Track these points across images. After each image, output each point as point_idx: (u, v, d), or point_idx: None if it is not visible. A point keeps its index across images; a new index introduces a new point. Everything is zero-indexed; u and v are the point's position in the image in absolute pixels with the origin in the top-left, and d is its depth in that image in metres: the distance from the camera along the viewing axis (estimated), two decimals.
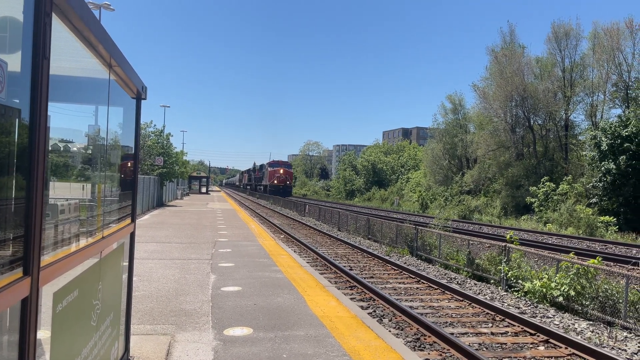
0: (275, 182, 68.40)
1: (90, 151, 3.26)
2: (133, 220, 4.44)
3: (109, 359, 3.47)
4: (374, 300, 9.43)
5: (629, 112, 34.64)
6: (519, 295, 10.07)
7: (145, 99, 4.43)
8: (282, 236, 20.31)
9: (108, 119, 3.26)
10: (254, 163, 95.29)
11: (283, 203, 45.34)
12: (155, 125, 35.71)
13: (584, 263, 9.08)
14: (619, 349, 6.96)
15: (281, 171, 69.80)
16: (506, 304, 9.51)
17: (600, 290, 8.65)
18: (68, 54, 2.60)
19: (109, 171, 3.67)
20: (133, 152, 4.54)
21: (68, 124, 2.82)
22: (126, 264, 4.27)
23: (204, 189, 68.39)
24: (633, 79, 38.81)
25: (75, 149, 2.96)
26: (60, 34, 2.20)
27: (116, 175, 3.95)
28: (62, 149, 2.74)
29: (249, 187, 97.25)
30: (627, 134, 32.07)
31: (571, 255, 9.82)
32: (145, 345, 5.04)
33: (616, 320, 7.98)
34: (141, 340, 5.18)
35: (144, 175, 28.19)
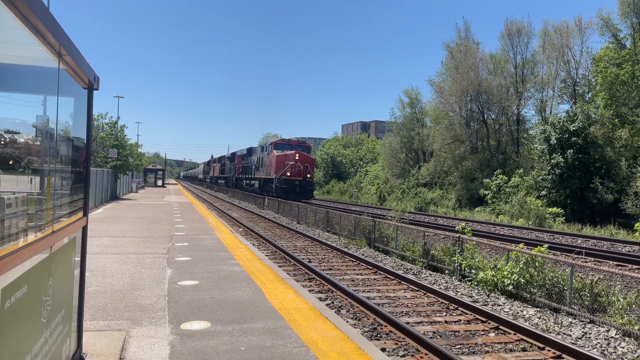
0: (289, 174, 40.14)
1: (38, 143, 3.15)
2: (85, 214, 4.32)
3: (60, 356, 3.38)
4: (332, 291, 9.53)
5: (576, 108, 36.13)
6: (472, 284, 10.40)
7: (97, 89, 4.30)
8: (240, 229, 20.18)
9: (58, 109, 3.16)
10: (228, 150, 76.40)
11: (242, 196, 44.87)
12: (110, 117, 34.59)
13: (532, 253, 9.46)
14: (564, 334, 7.31)
15: (297, 157, 40.67)
16: (460, 293, 9.80)
17: (547, 279, 9.04)
18: (14, 42, 2.50)
19: (59, 163, 3.56)
20: (85, 143, 4.41)
21: (14, 114, 2.72)
22: (78, 259, 4.16)
23: (160, 182, 66.94)
24: (580, 76, 40.46)
25: (22, 140, 2.86)
26: (6, 21, 2.12)
27: (67, 168, 3.83)
28: (7, 140, 2.65)
29: (222, 181, 70.63)
30: (574, 128, 33.47)
31: (521, 245, 10.22)
32: (99, 342, 4.93)
33: (562, 306, 8.38)
34: (94, 337, 5.07)
35: (97, 167, 27.35)
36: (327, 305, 8.12)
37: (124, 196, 36.54)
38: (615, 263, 12.82)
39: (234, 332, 5.34)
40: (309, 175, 40.47)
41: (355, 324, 7.33)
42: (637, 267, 12.28)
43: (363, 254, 14.37)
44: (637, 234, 20.92)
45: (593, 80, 38.80)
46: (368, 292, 9.69)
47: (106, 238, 12.74)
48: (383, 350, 6.21)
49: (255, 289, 7.51)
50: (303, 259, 13.00)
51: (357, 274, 11.56)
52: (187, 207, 26.99)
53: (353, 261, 13.23)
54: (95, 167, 27.33)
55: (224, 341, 5.05)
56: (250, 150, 52.56)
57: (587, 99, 39.61)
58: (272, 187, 40.92)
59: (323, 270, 11.62)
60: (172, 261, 9.67)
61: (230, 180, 63.43)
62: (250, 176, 50.84)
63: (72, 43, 3.23)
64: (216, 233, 14.88)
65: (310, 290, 9.29)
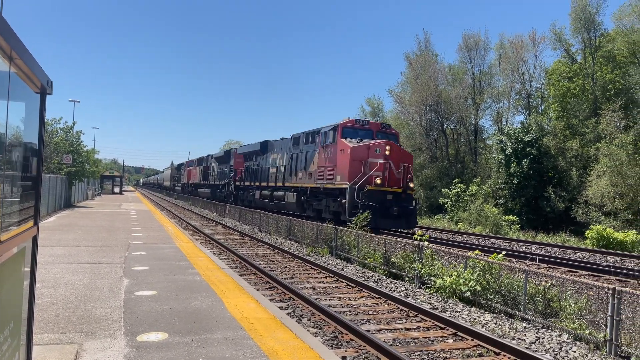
0: (379, 182, 20.57)
1: None
2: (36, 223, 4.15)
3: None
4: (294, 300, 9.49)
5: (530, 119, 37.48)
6: (432, 291, 10.56)
7: (50, 94, 4.16)
8: (200, 238, 19.86)
9: (8, 114, 3.03)
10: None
11: (202, 204, 44.08)
12: (65, 122, 33.48)
13: (488, 260, 9.70)
14: (519, 339, 7.51)
15: (387, 150, 20.98)
16: (419, 300, 9.94)
17: (503, 285, 9.28)
18: None
19: (9, 170, 3.41)
20: (37, 149, 4.25)
21: None
22: (28, 269, 3.99)
23: (117, 189, 65.22)
24: (534, 89, 42.03)
25: None
26: None
27: (17, 175, 3.68)
28: None
29: (205, 190, 50.63)
30: (528, 139, 34.67)
31: (477, 252, 10.46)
32: (50, 356, 4.74)
33: (517, 312, 8.61)
34: (45, 351, 4.87)
35: (51, 174, 26.41)
36: (288, 314, 8.08)
37: (79, 204, 35.39)
38: (567, 269, 13.29)
39: (193, 343, 5.24)
40: (411, 185, 21.34)
41: (316, 333, 7.31)
42: (587, 272, 12.76)
43: (325, 262, 14.38)
44: (587, 241, 21.78)
45: (546, 92, 40.37)
46: (329, 300, 9.69)
47: (59, 247, 12.29)
48: (344, 358, 6.22)
49: (215, 298, 7.39)
50: (264, 267, 12.91)
51: (319, 282, 11.55)
52: (146, 215, 26.37)
53: (315, 269, 13.22)
54: (48, 173, 26.38)
55: (181, 353, 4.94)
56: (265, 146, 32.90)
57: (540, 110, 41.17)
58: (339, 204, 21.40)
59: (284, 278, 11.56)
60: (129, 271, 9.41)
61: (223, 189, 42.74)
62: (269, 184, 30.53)
63: (24, 47, 3.12)
64: (175, 242, 14.59)
65: (271, 299, 9.23)
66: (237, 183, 38.22)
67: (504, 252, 10.13)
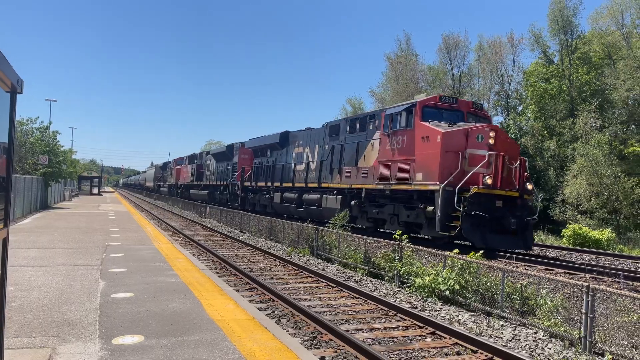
0: (490, 182, 14.00)
1: None
2: (6, 225, 4.06)
3: None
4: (274, 301, 9.46)
5: (509, 120, 37.99)
6: (411, 290, 10.63)
7: (20, 92, 4.08)
8: (180, 239, 19.68)
9: None
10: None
11: (182, 204, 43.62)
12: (41, 122, 32.85)
13: (466, 258, 9.80)
14: (496, 336, 7.60)
15: (491, 138, 14.58)
16: (399, 300, 9.99)
17: (481, 284, 9.38)
18: None
19: None
20: (7, 149, 4.16)
21: None
22: None
23: (96, 190, 64.24)
24: (512, 90, 42.61)
25: None
26: None
27: None
28: None
29: (200, 191, 43.87)
30: None
31: (455, 251, 10.55)
32: None
33: (494, 310, 8.71)
34: (17, 355, 4.76)
35: (26, 175, 25.89)
36: (267, 315, 8.04)
37: (56, 205, 34.76)
38: (544, 267, 13.48)
39: (169, 346, 5.17)
40: (529, 188, 15.15)
41: (295, 333, 7.29)
42: (563, 271, 12.98)
43: (306, 262, 14.37)
44: (564, 239, 22.17)
45: (524, 93, 40.96)
46: (310, 300, 9.68)
47: (34, 250, 12.05)
48: (322, 358, 6.22)
49: (194, 300, 7.32)
50: (245, 268, 12.84)
51: (299, 283, 11.53)
52: (124, 216, 26.04)
53: (295, 270, 13.20)
54: (23, 174, 25.87)
55: (157, 355, 4.88)
56: (286, 138, 27.09)
57: (518, 111, 41.76)
58: (419, 213, 15.73)
59: (265, 279, 11.52)
60: (106, 273, 9.27)
61: (225, 191, 36.15)
62: (295, 184, 24.74)
63: None
64: (154, 243, 14.43)
65: (250, 301, 9.18)
66: (246, 184, 31.37)
67: (480, 251, 10.23)
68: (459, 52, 45.43)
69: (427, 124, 15.72)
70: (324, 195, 21.30)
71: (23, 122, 31.24)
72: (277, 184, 26.72)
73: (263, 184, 28.83)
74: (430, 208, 14.93)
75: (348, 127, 20.52)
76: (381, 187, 17.29)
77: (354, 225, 19.84)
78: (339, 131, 21.30)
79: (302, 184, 23.78)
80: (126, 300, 7.13)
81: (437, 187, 14.44)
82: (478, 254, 9.99)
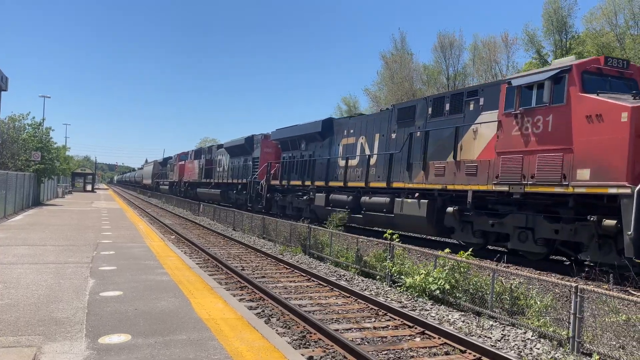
0: None
1: None
2: None
3: None
4: (264, 300, 9.45)
5: None
6: (402, 290, 10.64)
7: (5, 90, 4.07)
8: (172, 237, 19.63)
9: None
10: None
11: (176, 202, 43.49)
12: (33, 118, 32.63)
13: (457, 258, 9.81)
14: (485, 336, 7.62)
15: None
16: (389, 299, 9.99)
17: (471, 283, 9.40)
18: None
19: None
20: None
21: None
22: None
23: (89, 187, 64.01)
24: None
25: None
26: None
27: None
28: None
29: (212, 190, 38.07)
30: None
31: (446, 250, 10.56)
32: (6, 359, 4.61)
33: (484, 310, 8.73)
34: (1, 354, 4.73)
35: (18, 171, 25.74)
36: (257, 314, 8.03)
37: (49, 202, 34.60)
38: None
39: (156, 345, 5.16)
40: None
41: (284, 333, 7.29)
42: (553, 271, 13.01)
43: (298, 261, 14.36)
44: None
45: None
46: (300, 299, 9.67)
47: (24, 247, 11.98)
48: (310, 358, 6.22)
49: (183, 299, 7.30)
50: (236, 267, 12.82)
51: (291, 282, 11.52)
52: (117, 213, 25.95)
53: (287, 268, 13.19)
54: (16, 170, 25.72)
55: (144, 355, 4.86)
56: (329, 127, 22.64)
57: None
58: (578, 231, 11.08)
59: (256, 278, 11.50)
60: (96, 271, 9.23)
61: (243, 190, 31.37)
62: (347, 184, 20.00)
63: None
64: (146, 241, 14.39)
65: (240, 299, 9.16)
66: (273, 182, 26.76)
67: (470, 250, 10.24)
68: (454, 51, 45.62)
69: (594, 96, 10.93)
70: (397, 199, 16.65)
71: (15, 118, 31.06)
72: (319, 183, 22.06)
73: (298, 182, 24.11)
74: (609, 222, 10.35)
75: (430, 109, 15.97)
76: (505, 188, 12.60)
77: (448, 240, 16.11)
78: (414, 114, 16.71)
79: (360, 184, 19.09)
80: (115, 299, 7.10)
81: (626, 191, 9.81)
82: (467, 252, 10.00)
